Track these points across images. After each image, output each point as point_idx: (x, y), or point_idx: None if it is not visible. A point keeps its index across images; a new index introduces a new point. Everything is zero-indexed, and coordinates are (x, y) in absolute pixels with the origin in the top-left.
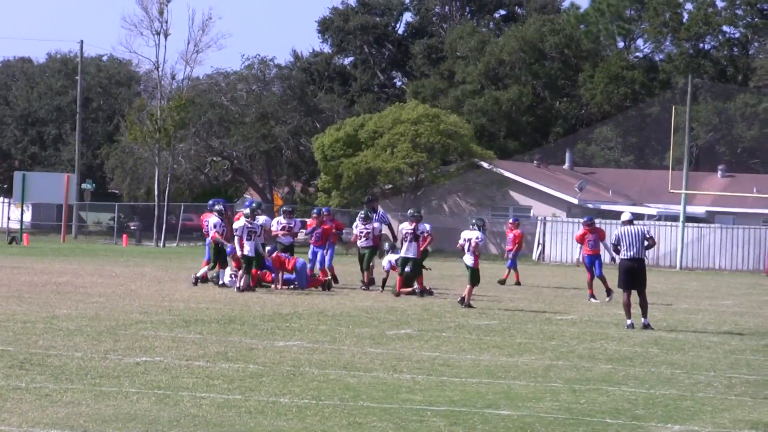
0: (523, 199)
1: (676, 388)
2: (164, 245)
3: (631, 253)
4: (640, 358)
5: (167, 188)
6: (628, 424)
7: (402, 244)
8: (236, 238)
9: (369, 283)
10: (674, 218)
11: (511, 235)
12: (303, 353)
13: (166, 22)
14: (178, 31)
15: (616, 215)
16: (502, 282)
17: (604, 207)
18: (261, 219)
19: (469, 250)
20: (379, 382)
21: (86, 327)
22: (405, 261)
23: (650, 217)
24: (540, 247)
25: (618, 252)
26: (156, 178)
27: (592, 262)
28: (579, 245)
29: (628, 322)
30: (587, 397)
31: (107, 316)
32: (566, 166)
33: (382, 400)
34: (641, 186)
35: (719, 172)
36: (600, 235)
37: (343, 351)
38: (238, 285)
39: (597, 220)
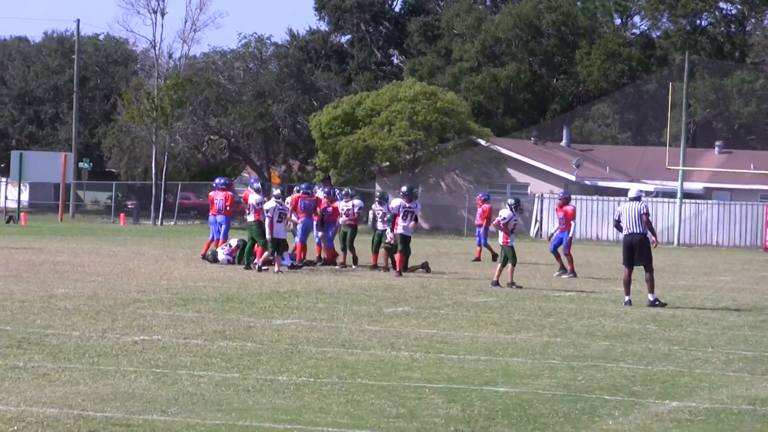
0: (520, 177)
1: (673, 364)
2: (162, 224)
3: (630, 228)
4: (637, 334)
5: (164, 167)
6: (626, 401)
7: (397, 221)
8: (267, 220)
9: (355, 262)
10: (671, 195)
11: (479, 210)
12: (301, 331)
13: (163, 0)
14: (175, 9)
15: (614, 192)
16: (477, 260)
17: (601, 184)
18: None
19: (500, 229)
20: (377, 359)
21: (84, 306)
22: (404, 238)
23: (648, 193)
24: (537, 224)
25: (620, 229)
26: (153, 157)
27: (558, 238)
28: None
29: (626, 298)
30: (585, 374)
31: (105, 295)
32: (563, 143)
33: (380, 377)
34: (638, 163)
35: (716, 149)
36: (567, 214)
37: (341, 329)
38: (277, 268)
39: (594, 197)
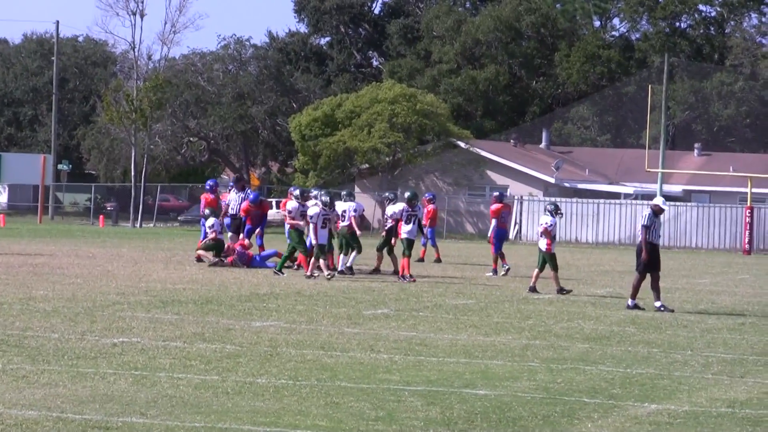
0: (500, 179)
1: (653, 367)
2: (141, 226)
3: (655, 237)
4: (617, 337)
5: (144, 169)
6: (605, 404)
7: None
8: (311, 226)
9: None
10: (651, 197)
11: (424, 211)
12: (280, 333)
13: (142, 2)
14: (155, 11)
15: (593, 194)
16: (421, 260)
17: (580, 186)
18: (348, 205)
19: (541, 235)
20: (357, 362)
21: (63, 308)
22: (409, 242)
23: (627, 195)
24: (517, 226)
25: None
26: (132, 158)
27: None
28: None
29: (631, 302)
30: (564, 377)
31: (84, 297)
32: (543, 145)
33: (359, 380)
34: (618, 165)
35: (695, 151)
36: (490, 211)
37: (320, 331)
38: (327, 273)
39: (573, 199)
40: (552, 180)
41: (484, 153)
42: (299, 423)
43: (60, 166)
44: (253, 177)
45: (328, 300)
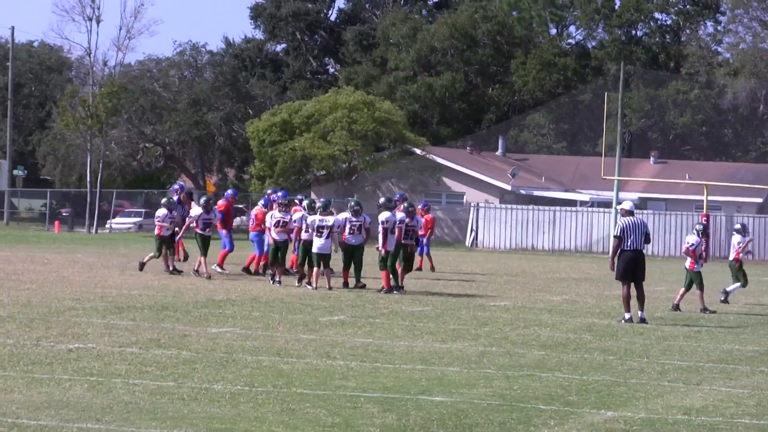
0: (456, 186)
1: (609, 374)
2: (96, 232)
3: (635, 245)
4: (573, 344)
5: (99, 175)
6: (561, 410)
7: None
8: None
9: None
10: (607, 204)
11: (422, 220)
12: (236, 340)
13: (98, 7)
14: (111, 17)
15: (549, 201)
16: (431, 268)
17: (536, 193)
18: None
19: (684, 254)
20: (313, 368)
21: (18, 314)
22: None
23: (583, 203)
24: (473, 233)
25: (619, 243)
26: (88, 164)
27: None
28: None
29: (627, 316)
30: (520, 384)
31: (39, 303)
32: (499, 152)
33: (315, 386)
34: (574, 172)
35: (651, 159)
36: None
37: (277, 337)
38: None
39: (529, 206)
40: (508, 187)
41: (440, 160)
42: (255, 429)
43: (15, 172)
44: (209, 183)
45: (285, 306)
